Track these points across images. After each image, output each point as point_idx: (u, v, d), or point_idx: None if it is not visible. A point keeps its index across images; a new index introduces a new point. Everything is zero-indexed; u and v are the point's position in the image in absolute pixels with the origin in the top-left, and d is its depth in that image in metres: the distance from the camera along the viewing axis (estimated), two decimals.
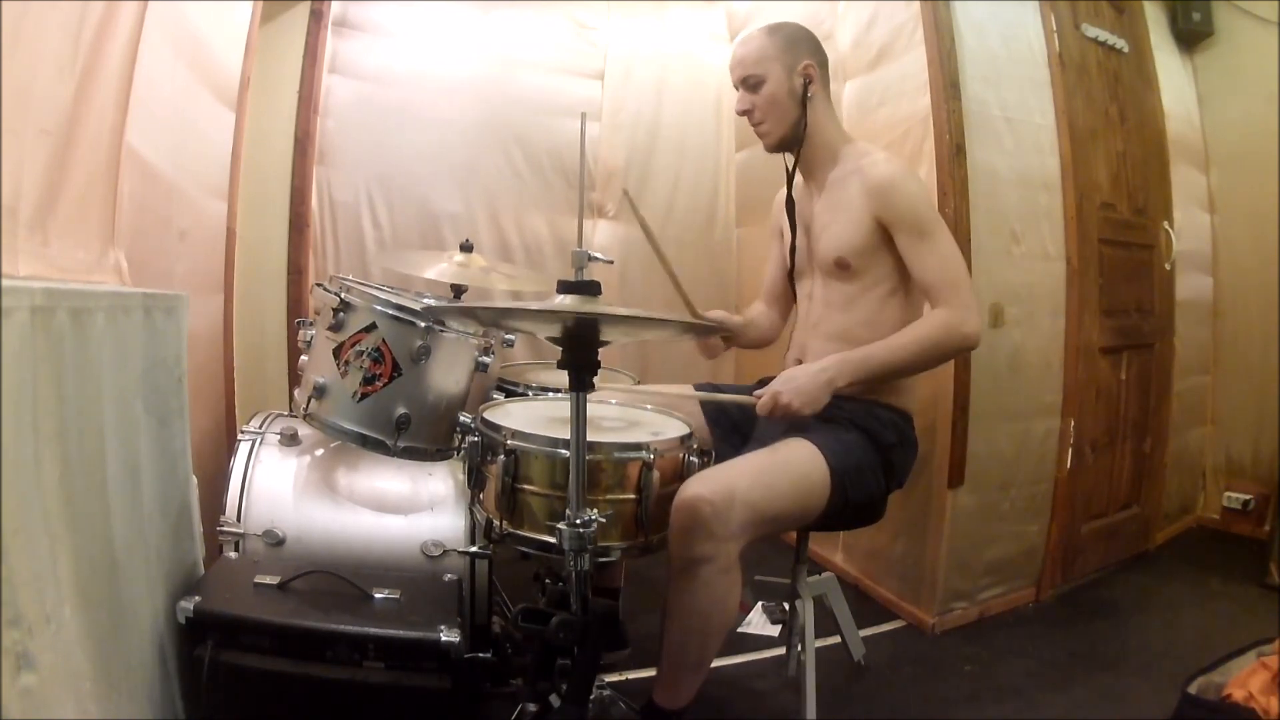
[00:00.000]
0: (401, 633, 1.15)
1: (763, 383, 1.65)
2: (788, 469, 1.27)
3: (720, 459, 1.32)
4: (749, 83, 1.46)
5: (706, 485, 1.18)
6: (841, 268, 1.44)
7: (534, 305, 1.08)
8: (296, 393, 1.56)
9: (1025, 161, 2.05)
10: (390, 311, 1.41)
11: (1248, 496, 2.71)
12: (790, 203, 1.54)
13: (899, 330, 1.36)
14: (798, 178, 1.53)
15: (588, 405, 1.05)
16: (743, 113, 1.49)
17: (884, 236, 1.39)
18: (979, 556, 2.03)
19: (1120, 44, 2.34)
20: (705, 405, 1.54)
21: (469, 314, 1.42)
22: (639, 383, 1.94)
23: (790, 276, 1.61)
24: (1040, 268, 2.09)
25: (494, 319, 1.23)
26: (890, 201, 1.36)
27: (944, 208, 1.87)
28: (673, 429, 1.34)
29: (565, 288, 1.03)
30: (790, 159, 1.50)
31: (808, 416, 1.29)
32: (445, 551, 1.41)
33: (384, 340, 1.41)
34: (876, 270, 1.42)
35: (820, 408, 1.29)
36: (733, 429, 1.51)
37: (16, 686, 0.72)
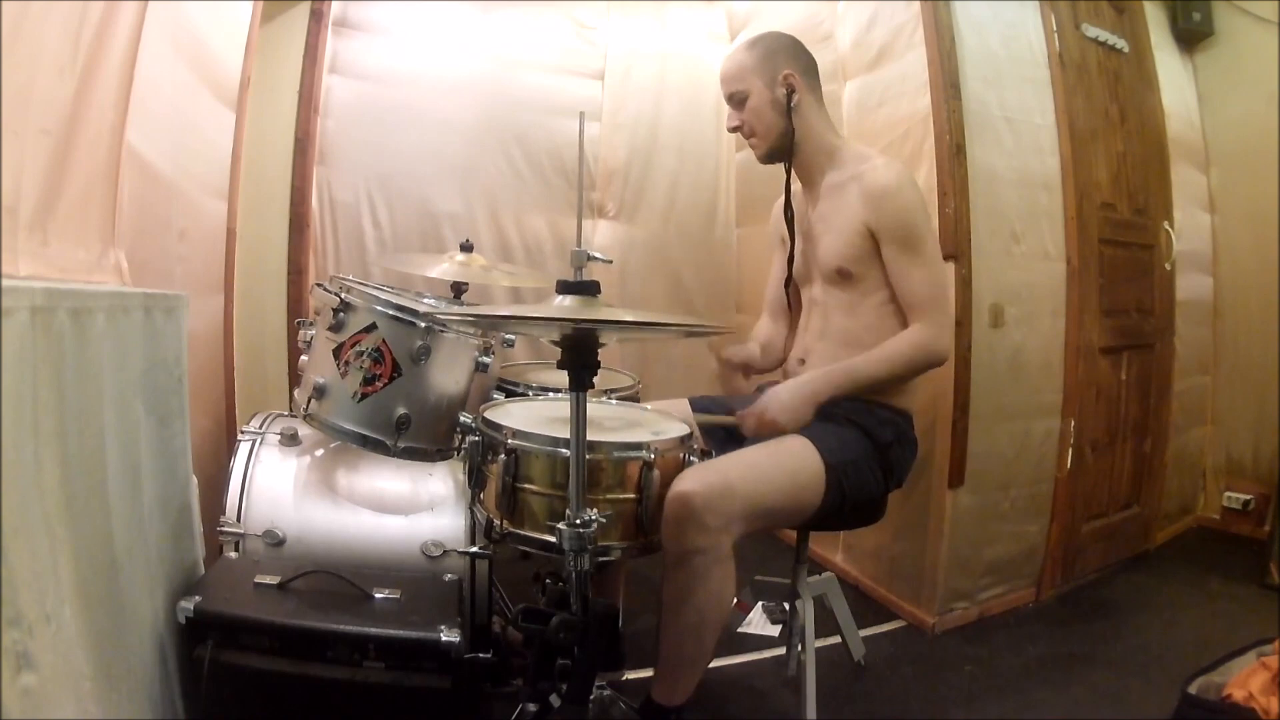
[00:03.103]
0: (401, 633, 1.15)
1: (761, 390, 1.65)
2: (781, 463, 1.28)
3: None
4: (734, 99, 1.48)
5: (699, 477, 1.19)
6: (843, 276, 1.44)
7: (535, 313, 1.07)
8: (296, 393, 1.56)
9: (1025, 161, 2.05)
10: (390, 312, 1.41)
11: (1248, 496, 2.71)
12: (789, 211, 1.54)
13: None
14: (795, 184, 1.53)
15: (588, 405, 1.05)
16: (733, 129, 1.51)
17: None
18: (979, 556, 2.03)
19: (1120, 44, 2.34)
20: (699, 414, 1.54)
21: (471, 321, 1.42)
22: (639, 383, 1.94)
23: (788, 284, 1.62)
24: (1040, 268, 2.09)
25: (496, 327, 1.24)
26: (882, 210, 1.37)
27: (944, 208, 1.87)
28: (673, 429, 1.34)
29: (565, 288, 1.03)
30: (786, 167, 1.51)
31: (789, 430, 1.30)
32: (445, 551, 1.40)
33: (384, 340, 1.41)
34: (878, 275, 1.42)
35: (805, 423, 1.31)
36: (728, 437, 1.51)
37: (16, 686, 0.72)
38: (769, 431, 1.29)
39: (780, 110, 1.45)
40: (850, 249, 1.41)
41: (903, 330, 1.40)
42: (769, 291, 1.73)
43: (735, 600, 1.55)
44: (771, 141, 1.47)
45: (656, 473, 1.20)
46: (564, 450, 1.17)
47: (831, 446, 1.31)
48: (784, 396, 1.30)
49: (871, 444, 1.37)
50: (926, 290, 1.37)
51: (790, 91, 1.43)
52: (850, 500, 1.33)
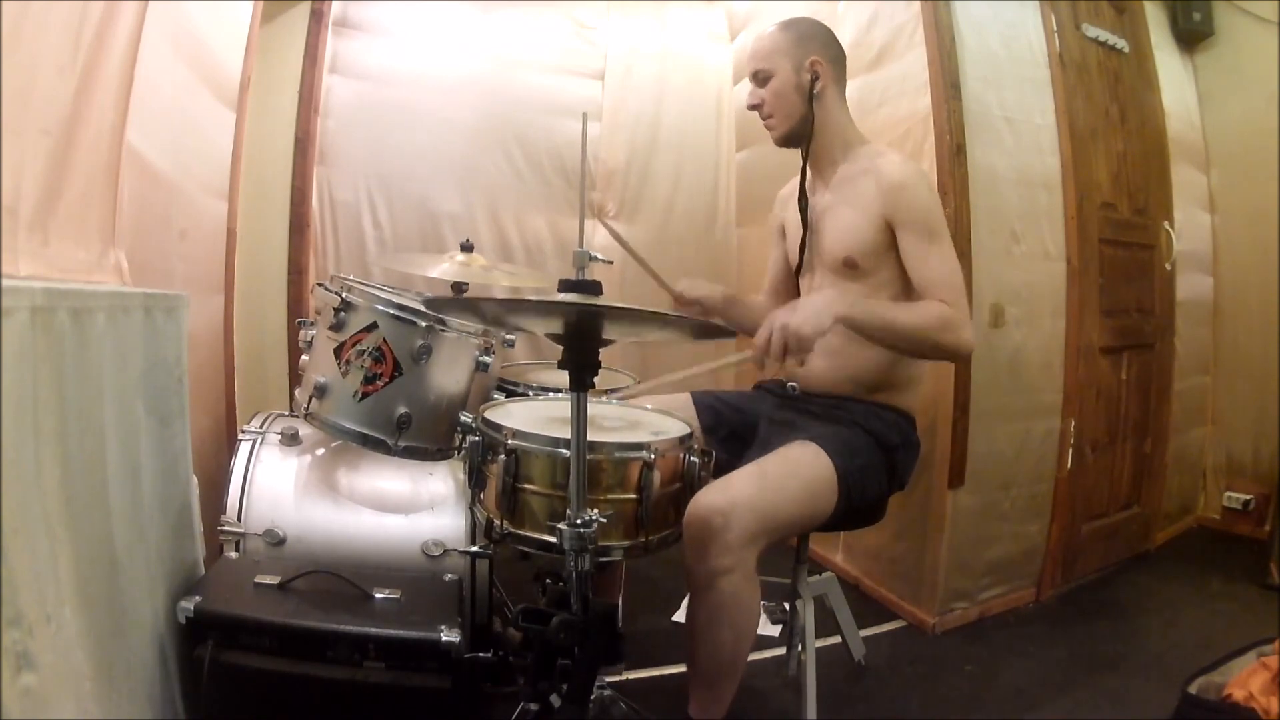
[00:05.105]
0: (402, 633, 1.15)
1: (760, 387, 1.64)
2: (795, 473, 1.26)
3: (718, 464, 1.32)
4: (759, 77, 1.47)
5: (716, 496, 1.18)
6: (849, 266, 1.43)
7: (538, 298, 1.07)
8: (297, 392, 1.56)
9: (1025, 161, 2.05)
10: (391, 311, 1.42)
11: (1248, 496, 2.71)
12: (803, 198, 1.53)
13: None
14: (806, 172, 1.53)
15: (588, 405, 1.05)
16: (752, 107, 1.50)
17: (893, 237, 1.38)
18: (979, 556, 2.03)
19: (1120, 44, 2.34)
20: (702, 412, 1.53)
21: (472, 308, 1.41)
22: (639, 383, 1.93)
23: (799, 271, 1.60)
24: (1040, 267, 2.09)
25: (497, 312, 1.23)
26: (901, 201, 1.36)
27: (944, 207, 1.86)
28: (673, 429, 1.34)
29: (567, 287, 1.03)
30: (801, 154, 1.50)
31: (810, 337, 1.20)
32: (446, 551, 1.41)
33: (385, 340, 1.41)
34: (884, 272, 1.41)
35: (823, 329, 1.21)
36: (731, 434, 1.51)
37: (16, 686, 0.72)
38: (784, 338, 1.20)
39: (803, 95, 1.44)
40: (862, 241, 1.40)
41: None
42: (768, 278, 1.71)
43: None
44: (791, 125, 1.47)
45: (657, 473, 1.20)
46: (564, 450, 1.17)
47: (842, 453, 1.29)
48: (802, 305, 1.25)
49: (878, 447, 1.37)
50: (946, 277, 1.33)
51: (814, 78, 1.43)
52: (856, 505, 1.32)
